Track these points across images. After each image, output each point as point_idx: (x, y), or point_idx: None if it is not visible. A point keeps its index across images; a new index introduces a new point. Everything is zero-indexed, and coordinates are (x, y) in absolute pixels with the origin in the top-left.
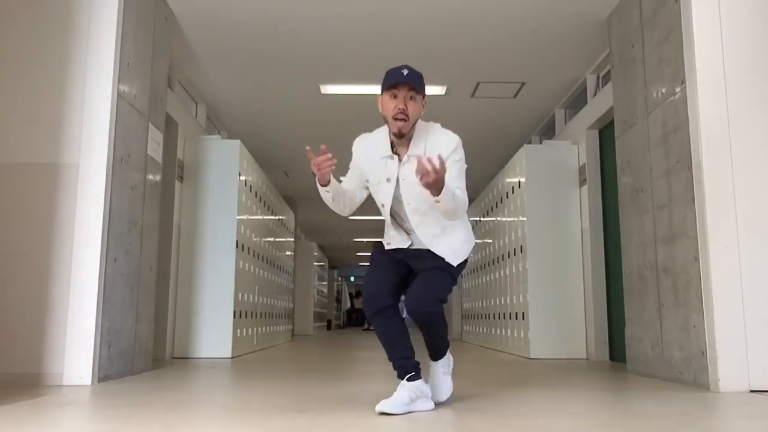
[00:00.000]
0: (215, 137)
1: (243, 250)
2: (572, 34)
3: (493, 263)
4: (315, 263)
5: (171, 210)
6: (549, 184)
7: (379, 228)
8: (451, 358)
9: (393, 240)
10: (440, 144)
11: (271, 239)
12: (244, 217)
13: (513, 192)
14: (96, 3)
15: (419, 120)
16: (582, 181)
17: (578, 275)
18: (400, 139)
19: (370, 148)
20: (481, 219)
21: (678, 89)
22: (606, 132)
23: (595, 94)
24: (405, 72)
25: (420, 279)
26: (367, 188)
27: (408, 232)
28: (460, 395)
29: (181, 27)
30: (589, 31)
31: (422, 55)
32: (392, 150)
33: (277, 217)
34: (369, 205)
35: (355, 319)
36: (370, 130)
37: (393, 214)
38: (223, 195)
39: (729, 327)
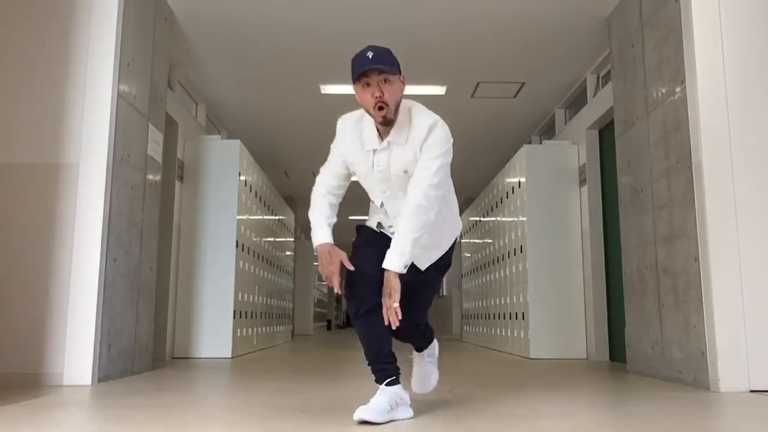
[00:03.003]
0: (215, 137)
1: (243, 250)
2: (572, 34)
3: (493, 263)
4: (315, 263)
5: (171, 210)
6: (549, 184)
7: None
8: (437, 345)
9: (383, 221)
10: (419, 132)
11: (271, 239)
12: (244, 217)
13: (513, 192)
14: (96, 3)
15: (402, 100)
16: (582, 181)
17: (578, 275)
18: (388, 126)
19: (355, 138)
20: (481, 219)
21: (678, 89)
22: (606, 132)
23: (595, 94)
24: (370, 55)
25: (407, 307)
26: (350, 176)
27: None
28: (460, 395)
29: (181, 27)
30: (589, 31)
31: (422, 54)
32: (381, 139)
33: (277, 217)
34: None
35: None
36: (336, 140)
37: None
38: (223, 195)
39: (729, 327)
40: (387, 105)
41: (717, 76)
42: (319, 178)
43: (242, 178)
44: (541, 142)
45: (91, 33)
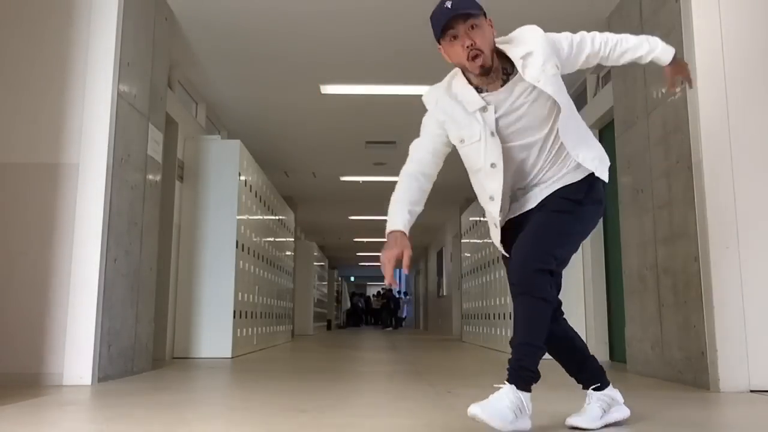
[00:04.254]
0: (215, 137)
1: (243, 250)
2: None
3: (494, 263)
4: (315, 263)
5: (171, 210)
6: None
7: (379, 228)
8: (616, 393)
9: (502, 214)
10: (528, 42)
11: (271, 239)
12: (244, 217)
13: None
14: (96, 3)
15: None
16: None
17: (578, 275)
18: (488, 76)
19: (454, 105)
20: (481, 219)
21: (678, 89)
22: (606, 132)
23: (595, 94)
24: (449, 5)
25: (522, 236)
26: (450, 147)
27: (516, 197)
28: (460, 395)
29: (181, 27)
30: (589, 31)
31: (422, 55)
32: (480, 95)
33: (277, 217)
34: (369, 204)
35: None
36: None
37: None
38: (223, 195)
39: (729, 327)
40: (482, 51)
41: (717, 76)
42: (412, 155)
43: (242, 178)
44: None
45: (90, 33)
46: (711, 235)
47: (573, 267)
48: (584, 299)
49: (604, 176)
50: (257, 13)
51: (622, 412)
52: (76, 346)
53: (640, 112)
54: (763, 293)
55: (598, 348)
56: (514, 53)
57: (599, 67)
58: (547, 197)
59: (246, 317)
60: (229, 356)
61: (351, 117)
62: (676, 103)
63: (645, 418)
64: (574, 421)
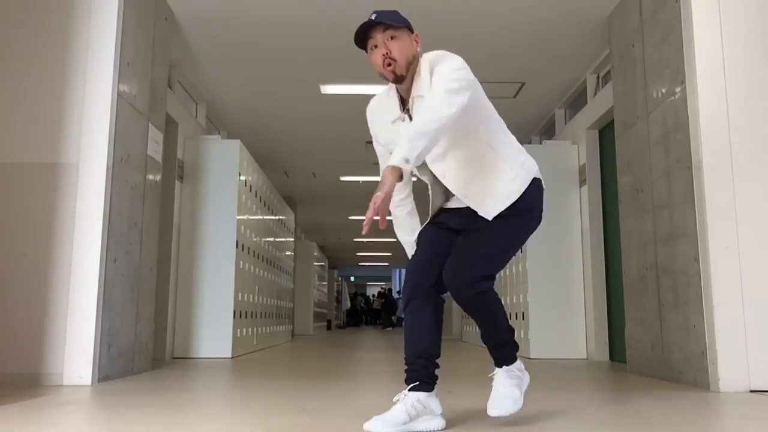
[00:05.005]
0: (215, 137)
1: (243, 250)
2: (572, 34)
3: None
4: (315, 263)
5: (171, 210)
6: (549, 184)
7: (377, 228)
8: (522, 367)
9: (436, 204)
10: (425, 69)
11: (271, 239)
12: (244, 217)
13: None
14: (96, 3)
15: (420, 55)
16: (582, 181)
17: (578, 275)
18: (405, 86)
19: (381, 114)
20: None
21: (678, 89)
22: (606, 132)
23: (595, 94)
24: (373, 16)
25: (457, 249)
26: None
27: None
28: (460, 395)
29: (181, 27)
30: (589, 31)
31: None
32: (403, 107)
33: (277, 217)
34: (368, 204)
35: (372, 320)
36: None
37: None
38: (223, 195)
39: (729, 327)
40: (395, 60)
41: (717, 76)
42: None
43: (242, 178)
44: (541, 142)
45: (91, 33)
46: (711, 235)
47: (573, 267)
48: (584, 299)
49: None
50: (257, 13)
51: (432, 423)
52: (76, 346)
53: (640, 112)
54: (763, 293)
55: (598, 348)
56: (416, 88)
57: (599, 67)
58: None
59: (246, 317)
60: (229, 356)
61: (351, 117)
62: (676, 103)
63: (645, 418)
64: (370, 426)
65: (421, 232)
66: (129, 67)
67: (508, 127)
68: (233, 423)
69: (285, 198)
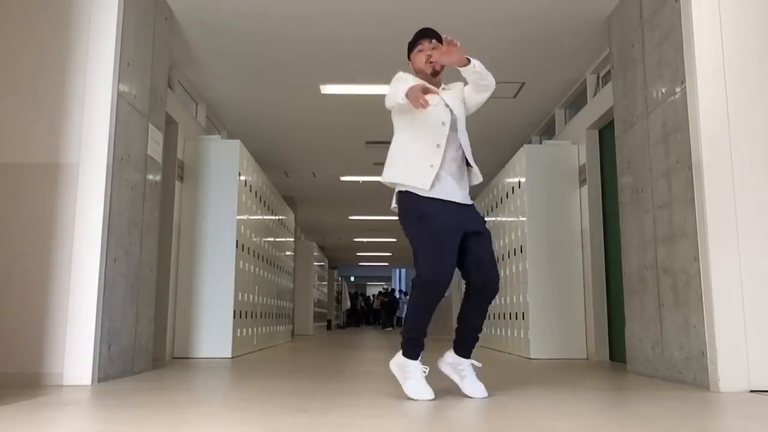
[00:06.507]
0: (215, 137)
1: (243, 250)
2: (572, 34)
3: None
4: (315, 263)
5: (171, 210)
6: (549, 184)
7: (377, 228)
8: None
9: (454, 193)
10: (458, 86)
11: (271, 239)
12: (244, 217)
13: (513, 192)
14: (96, 3)
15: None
16: (582, 181)
17: (578, 275)
18: (436, 81)
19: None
20: None
21: (678, 89)
22: (606, 132)
23: (595, 94)
24: (424, 30)
25: (486, 251)
26: None
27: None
28: (460, 395)
29: (181, 27)
30: (589, 31)
31: None
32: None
33: (277, 217)
34: (369, 204)
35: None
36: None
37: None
38: (223, 195)
39: (729, 327)
40: (435, 61)
41: (717, 76)
42: (401, 76)
43: (242, 178)
44: (541, 142)
45: (91, 33)
46: (711, 235)
47: (573, 267)
48: (584, 299)
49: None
50: (257, 13)
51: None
52: (76, 346)
53: (640, 112)
54: (763, 293)
55: (598, 348)
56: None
57: (599, 67)
58: None
59: (246, 317)
60: (229, 356)
61: (351, 117)
62: (676, 103)
63: (645, 418)
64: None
65: (447, 229)
66: (129, 67)
67: (508, 126)
68: (233, 423)
69: (285, 198)
